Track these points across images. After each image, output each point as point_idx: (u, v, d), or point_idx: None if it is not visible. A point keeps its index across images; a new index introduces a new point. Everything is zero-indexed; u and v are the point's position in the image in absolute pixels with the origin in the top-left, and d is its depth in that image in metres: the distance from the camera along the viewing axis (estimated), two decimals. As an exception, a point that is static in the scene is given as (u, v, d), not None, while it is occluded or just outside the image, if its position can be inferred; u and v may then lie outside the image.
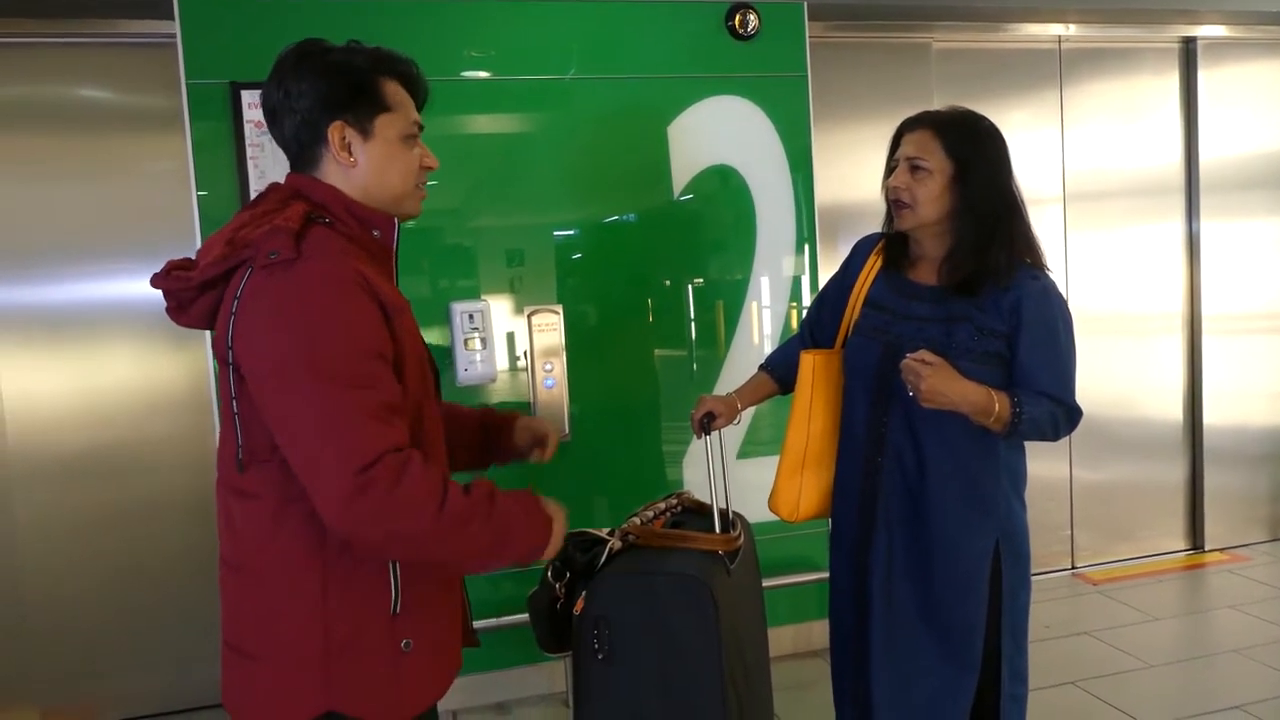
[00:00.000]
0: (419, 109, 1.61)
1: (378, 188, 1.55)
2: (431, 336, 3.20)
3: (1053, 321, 2.03)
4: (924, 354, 1.93)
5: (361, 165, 1.52)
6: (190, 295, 1.51)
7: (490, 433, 1.94)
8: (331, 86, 1.49)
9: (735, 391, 2.39)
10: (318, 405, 1.34)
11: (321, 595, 1.43)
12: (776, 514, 2.33)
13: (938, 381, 1.90)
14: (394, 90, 1.55)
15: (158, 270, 1.53)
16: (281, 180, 1.59)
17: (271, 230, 1.41)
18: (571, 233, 3.39)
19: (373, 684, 1.46)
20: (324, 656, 1.43)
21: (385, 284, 1.48)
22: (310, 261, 1.40)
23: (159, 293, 1.55)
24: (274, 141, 1.58)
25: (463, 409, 1.97)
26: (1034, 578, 2.19)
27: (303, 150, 1.54)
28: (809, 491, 2.29)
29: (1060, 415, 2.02)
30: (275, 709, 1.46)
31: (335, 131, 1.50)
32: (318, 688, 1.43)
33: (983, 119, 2.09)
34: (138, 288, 3.29)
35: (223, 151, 3.01)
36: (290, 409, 1.36)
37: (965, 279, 2.04)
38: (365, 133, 1.52)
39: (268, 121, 1.56)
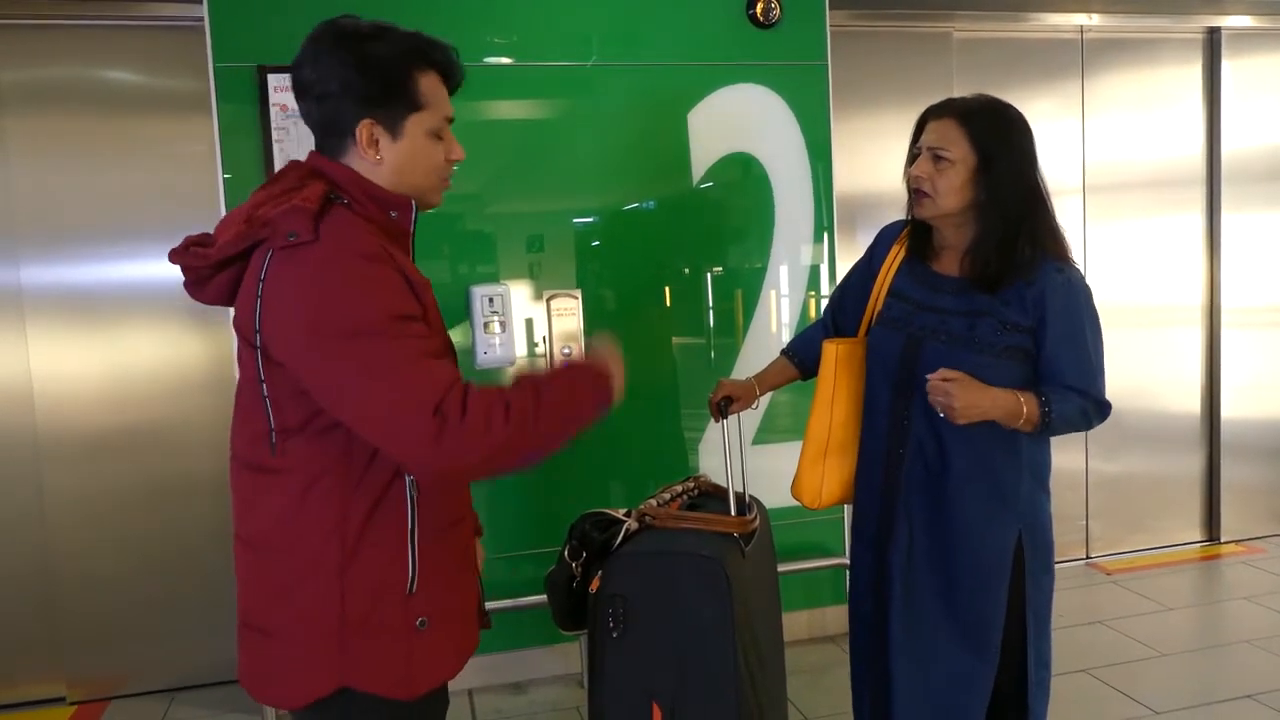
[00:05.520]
0: (451, 93, 1.57)
1: (401, 184, 1.52)
2: (451, 320, 3.22)
3: (1078, 314, 2.00)
4: (944, 372, 1.91)
5: (387, 162, 1.50)
6: (208, 272, 1.49)
7: None
8: (366, 82, 1.45)
9: (755, 376, 2.39)
10: (371, 362, 1.34)
11: (339, 571, 1.42)
12: (799, 500, 2.33)
13: (968, 396, 1.88)
14: (429, 85, 1.51)
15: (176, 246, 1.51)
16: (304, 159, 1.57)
17: (290, 210, 1.38)
18: (591, 219, 3.41)
19: (386, 661, 1.46)
20: (339, 632, 1.43)
21: (406, 262, 1.49)
22: (329, 243, 1.38)
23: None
24: (300, 125, 1.56)
25: None
26: (1048, 567, 2.20)
27: (328, 137, 1.51)
28: (831, 479, 2.29)
29: (1090, 408, 2.00)
30: (291, 683, 1.47)
31: (364, 129, 1.47)
32: (332, 663, 1.43)
33: (1009, 108, 2.04)
34: (164, 269, 3.19)
35: (249, 135, 3.05)
36: (342, 376, 1.35)
37: (989, 274, 2.01)
38: (395, 132, 1.49)
39: (296, 96, 1.52)
